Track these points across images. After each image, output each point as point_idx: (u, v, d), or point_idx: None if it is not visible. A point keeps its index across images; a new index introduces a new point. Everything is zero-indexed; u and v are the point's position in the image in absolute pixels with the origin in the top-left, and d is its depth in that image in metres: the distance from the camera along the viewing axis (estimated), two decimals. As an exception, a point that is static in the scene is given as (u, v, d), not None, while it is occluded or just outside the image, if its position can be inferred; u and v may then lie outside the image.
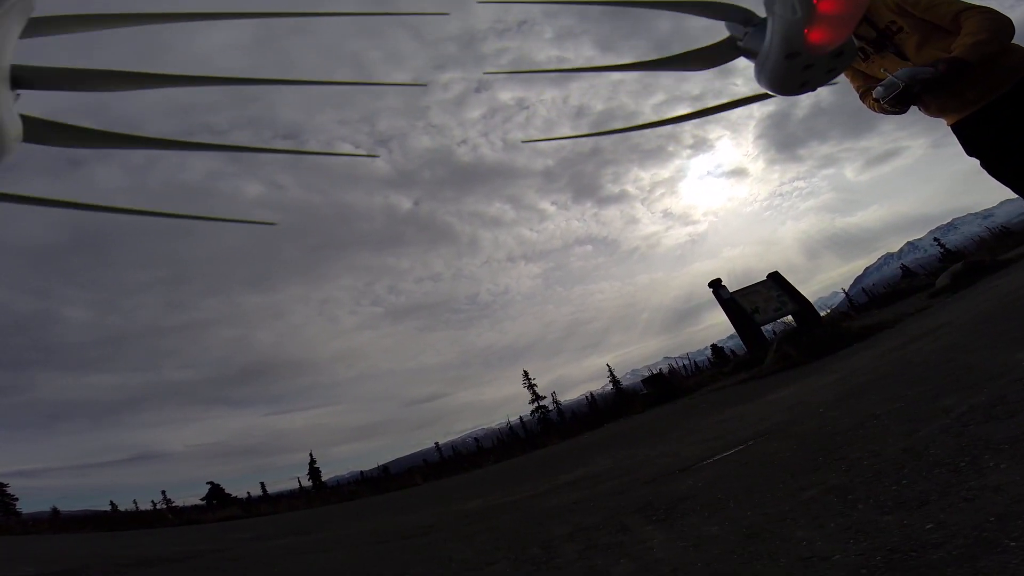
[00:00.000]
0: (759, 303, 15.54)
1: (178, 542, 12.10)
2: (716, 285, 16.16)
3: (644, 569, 2.79)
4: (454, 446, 35.92)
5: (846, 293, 32.05)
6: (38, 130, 0.86)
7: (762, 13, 1.13)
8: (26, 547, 14.00)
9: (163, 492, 31.95)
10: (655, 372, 17.03)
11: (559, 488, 7.00)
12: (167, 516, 23.44)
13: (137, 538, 15.28)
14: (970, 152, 2.64)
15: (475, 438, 37.13)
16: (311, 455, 37.89)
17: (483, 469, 18.91)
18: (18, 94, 0.82)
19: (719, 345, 39.58)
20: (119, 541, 14.02)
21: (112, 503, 32.23)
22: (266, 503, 27.96)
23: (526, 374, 36.01)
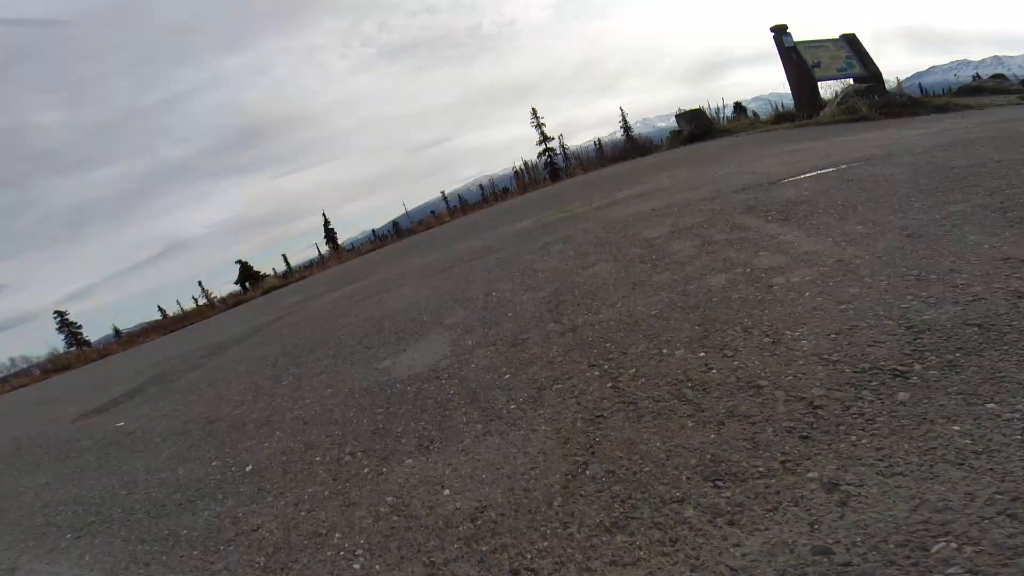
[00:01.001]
0: (823, 58, 14.12)
1: (236, 323, 12.09)
2: (780, 31, 14.35)
3: (799, 262, 2.74)
4: (460, 195, 35.64)
5: (898, 82, 27.96)
6: None
7: None
8: (109, 368, 14.03)
9: (199, 283, 33.27)
10: (688, 110, 16.06)
11: (625, 200, 6.65)
12: (215, 305, 24.00)
13: (199, 331, 15.49)
14: None
15: (480, 185, 36.93)
16: (324, 216, 37.25)
17: (513, 200, 18.39)
18: None
19: (743, 104, 37.54)
20: (186, 339, 14.13)
21: (160, 308, 33.11)
22: (302, 270, 28.05)
23: (534, 111, 33.92)
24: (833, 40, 14.56)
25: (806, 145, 7.71)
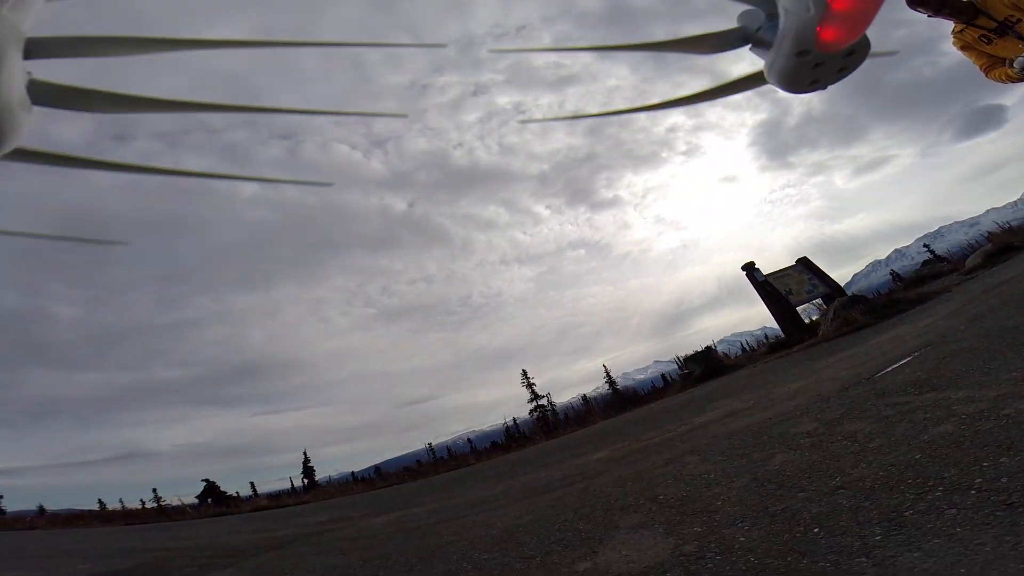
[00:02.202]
0: (792, 285, 16.34)
1: (236, 532, 10.69)
2: (749, 268, 16.96)
3: (1004, 400, 2.97)
4: (447, 447, 35.67)
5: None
6: (51, 95, 0.90)
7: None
8: (47, 541, 12.83)
9: (154, 490, 29.53)
10: (695, 352, 17.32)
11: (717, 421, 6.65)
12: (186, 510, 22.37)
13: (179, 530, 13.72)
14: None
15: (468, 439, 37.11)
16: (305, 454, 36.71)
17: (541, 444, 17.52)
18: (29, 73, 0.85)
19: (712, 347, 40.75)
20: (159, 535, 12.48)
21: (100, 501, 29.62)
22: (288, 496, 26.98)
23: (525, 373, 35.66)
24: (793, 267, 16.94)
25: (845, 354, 8.43)
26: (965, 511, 1.88)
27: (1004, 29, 3.47)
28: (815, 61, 1.12)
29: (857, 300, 12.78)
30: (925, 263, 17.98)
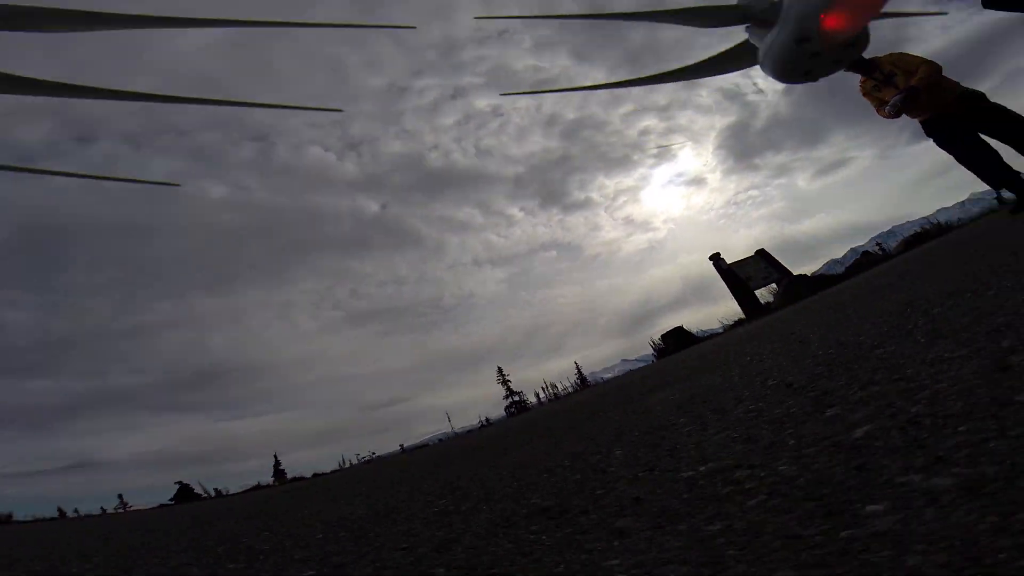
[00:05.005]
0: (751, 272, 19.25)
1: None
2: (716, 257, 19.85)
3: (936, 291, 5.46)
4: (420, 448, 36.73)
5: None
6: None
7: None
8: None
9: (120, 496, 29.39)
10: (671, 329, 19.98)
11: (722, 343, 9.13)
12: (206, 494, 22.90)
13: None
14: (928, 134, 5.17)
15: (440, 440, 38.30)
16: (276, 457, 37.24)
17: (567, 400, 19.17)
18: None
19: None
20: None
21: (60, 510, 29.08)
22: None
23: (500, 370, 37.40)
24: (752, 257, 19.87)
25: (796, 307, 11.06)
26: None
27: (887, 80, 4.91)
28: (813, 50, 1.10)
29: (800, 278, 15.78)
30: (863, 254, 20.90)
